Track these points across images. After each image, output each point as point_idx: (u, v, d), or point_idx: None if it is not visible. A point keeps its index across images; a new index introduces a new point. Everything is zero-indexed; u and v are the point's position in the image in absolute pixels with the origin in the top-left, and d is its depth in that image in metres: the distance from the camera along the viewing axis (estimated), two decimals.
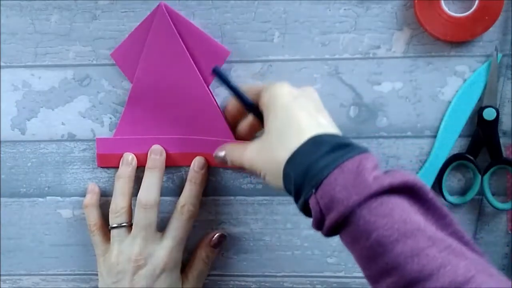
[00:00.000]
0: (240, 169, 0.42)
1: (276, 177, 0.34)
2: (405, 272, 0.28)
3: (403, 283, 0.28)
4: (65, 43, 0.49)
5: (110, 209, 0.46)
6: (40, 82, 0.50)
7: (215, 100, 0.44)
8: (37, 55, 0.50)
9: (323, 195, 0.30)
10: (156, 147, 0.46)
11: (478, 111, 0.47)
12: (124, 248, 0.44)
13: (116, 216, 0.45)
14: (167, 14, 0.42)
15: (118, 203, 0.46)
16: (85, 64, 0.50)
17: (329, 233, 0.32)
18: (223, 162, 0.42)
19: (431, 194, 0.31)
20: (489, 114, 0.47)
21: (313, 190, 0.31)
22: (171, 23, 0.42)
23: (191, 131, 0.45)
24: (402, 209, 0.29)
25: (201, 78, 0.43)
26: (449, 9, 0.45)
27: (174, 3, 0.48)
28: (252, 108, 0.40)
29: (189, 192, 0.47)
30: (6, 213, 0.53)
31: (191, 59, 0.42)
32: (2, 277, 0.55)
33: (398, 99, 0.48)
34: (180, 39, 0.42)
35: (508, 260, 0.51)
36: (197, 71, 0.43)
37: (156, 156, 0.46)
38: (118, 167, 0.48)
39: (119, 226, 0.45)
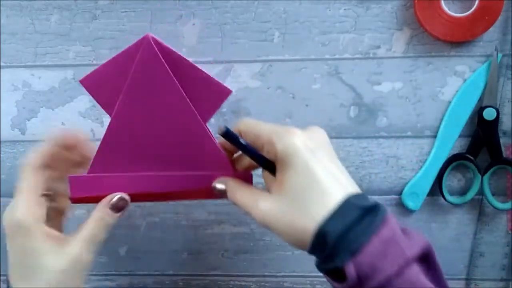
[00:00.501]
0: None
1: (296, 241, 0.33)
2: None
3: None
4: (65, 43, 0.49)
5: None
6: (40, 82, 0.50)
7: (211, 134, 0.40)
8: (37, 55, 0.50)
9: (363, 264, 0.30)
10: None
11: (478, 111, 0.47)
12: None
13: None
14: (155, 47, 0.38)
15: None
16: (85, 64, 0.50)
17: None
18: (221, 195, 0.39)
19: (436, 258, 0.34)
20: (489, 114, 0.47)
21: (351, 257, 0.31)
22: (160, 56, 0.38)
23: (182, 167, 0.40)
24: (423, 277, 0.31)
25: (196, 112, 0.39)
26: (449, 9, 0.45)
27: (174, 3, 0.48)
28: (266, 165, 0.36)
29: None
30: None
31: (183, 92, 0.39)
32: (2, 277, 0.55)
33: (398, 99, 0.48)
34: (170, 73, 0.39)
35: (508, 260, 0.51)
36: (190, 104, 0.39)
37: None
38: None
39: None
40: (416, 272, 0.31)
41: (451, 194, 0.50)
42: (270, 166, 0.35)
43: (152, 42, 0.38)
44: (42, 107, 0.51)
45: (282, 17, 0.47)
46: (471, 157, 0.48)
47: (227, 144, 0.37)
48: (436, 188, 0.49)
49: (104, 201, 0.39)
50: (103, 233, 0.38)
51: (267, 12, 0.48)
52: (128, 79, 0.38)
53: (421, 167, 0.49)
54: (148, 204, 0.52)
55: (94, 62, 0.49)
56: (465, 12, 0.45)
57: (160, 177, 0.40)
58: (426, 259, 0.32)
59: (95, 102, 0.50)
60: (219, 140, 0.39)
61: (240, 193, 0.37)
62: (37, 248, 0.35)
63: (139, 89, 0.39)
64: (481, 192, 0.48)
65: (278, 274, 0.53)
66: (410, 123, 0.49)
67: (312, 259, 0.53)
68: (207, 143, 0.40)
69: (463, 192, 0.50)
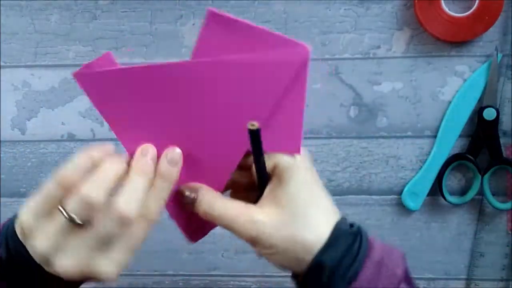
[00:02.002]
0: (195, 226, 0.35)
1: (290, 259, 0.31)
2: None
3: None
4: (65, 43, 0.49)
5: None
6: (40, 82, 0.50)
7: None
8: (37, 55, 0.50)
9: None
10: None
11: (478, 111, 0.47)
12: None
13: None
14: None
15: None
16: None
17: None
18: (188, 202, 0.34)
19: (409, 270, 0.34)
20: (489, 114, 0.47)
21: (348, 286, 0.31)
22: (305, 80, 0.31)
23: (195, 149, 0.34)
24: None
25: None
26: (449, 9, 0.45)
27: (175, 3, 0.48)
28: (264, 177, 0.33)
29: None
30: (6, 213, 0.53)
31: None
32: None
33: (398, 99, 0.48)
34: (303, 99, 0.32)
35: (508, 260, 0.51)
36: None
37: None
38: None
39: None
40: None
41: (451, 194, 0.50)
42: (265, 180, 0.33)
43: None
44: (42, 107, 0.51)
45: (282, 17, 0.47)
46: (471, 157, 0.48)
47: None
48: (436, 188, 0.49)
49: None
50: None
51: (267, 12, 0.48)
52: (250, 56, 0.31)
53: (421, 167, 0.49)
54: None
55: None
56: (465, 12, 0.45)
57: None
58: (407, 273, 0.33)
59: None
60: None
61: (222, 203, 0.33)
62: None
63: (240, 73, 0.31)
64: (481, 192, 0.48)
65: (278, 274, 0.53)
66: (410, 123, 0.49)
67: None
68: (228, 163, 0.34)
69: (463, 192, 0.50)
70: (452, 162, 0.48)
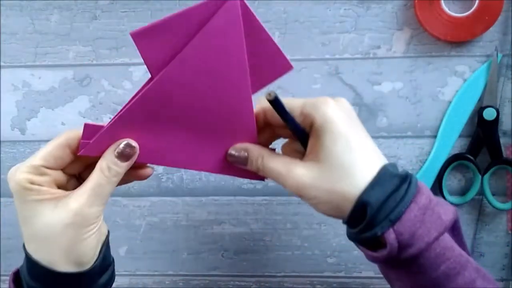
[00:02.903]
0: (254, 176, 0.38)
1: (333, 208, 0.33)
2: None
3: None
4: (65, 43, 0.49)
5: None
6: (40, 82, 0.50)
7: (253, 110, 0.38)
8: (37, 55, 0.50)
9: (403, 231, 0.31)
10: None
11: (478, 111, 0.47)
12: None
13: None
14: (240, 13, 0.35)
15: None
16: (85, 64, 0.50)
17: (395, 265, 0.33)
18: (239, 162, 0.37)
19: (461, 224, 0.35)
20: (489, 114, 0.47)
21: (391, 225, 0.31)
22: (241, 17, 0.35)
23: (209, 138, 0.38)
24: (454, 242, 0.33)
25: (250, 86, 0.37)
26: (449, 9, 0.45)
27: (174, 3, 0.48)
28: (303, 136, 0.36)
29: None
30: (6, 213, 0.53)
31: (247, 64, 0.36)
32: (2, 277, 0.55)
33: (398, 99, 0.48)
34: (244, 40, 0.35)
35: (508, 260, 0.51)
36: (248, 78, 0.36)
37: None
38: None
39: None
40: (449, 237, 0.32)
41: (451, 194, 0.50)
42: (305, 137, 0.36)
43: (239, 7, 0.35)
44: (42, 107, 0.51)
45: (282, 17, 0.47)
46: (471, 157, 0.48)
47: (260, 119, 0.37)
48: (436, 188, 0.49)
49: (110, 148, 0.35)
50: (108, 184, 0.34)
51: (267, 12, 0.48)
52: (193, 39, 0.35)
53: (421, 167, 0.49)
54: (148, 204, 0.52)
55: (94, 62, 0.49)
56: (465, 12, 0.45)
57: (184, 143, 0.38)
58: (454, 225, 0.33)
59: (95, 102, 0.50)
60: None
61: (269, 158, 0.36)
62: (33, 206, 0.34)
63: (200, 52, 0.35)
64: (481, 192, 0.48)
65: (278, 274, 0.53)
66: (410, 123, 0.49)
67: (312, 259, 0.54)
68: (245, 116, 0.37)
69: (463, 192, 0.50)
70: (452, 162, 0.48)
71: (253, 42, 0.36)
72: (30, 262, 0.33)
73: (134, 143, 0.36)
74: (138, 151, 0.36)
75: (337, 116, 0.34)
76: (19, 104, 0.51)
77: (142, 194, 0.52)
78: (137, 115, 0.37)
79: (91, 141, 0.36)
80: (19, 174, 0.33)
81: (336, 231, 0.51)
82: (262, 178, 0.38)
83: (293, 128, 0.36)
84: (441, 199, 0.34)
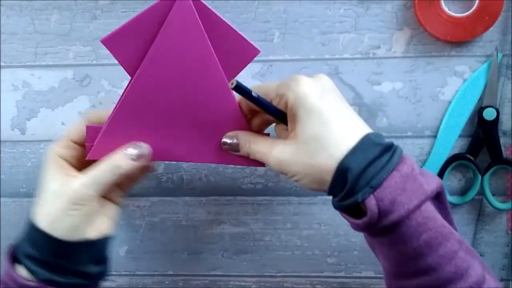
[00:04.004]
0: (252, 163, 0.39)
1: (315, 181, 0.34)
2: (443, 273, 0.32)
3: (437, 282, 0.32)
4: (65, 43, 0.49)
5: None
6: (40, 82, 0.50)
7: (233, 95, 0.40)
8: (37, 55, 0.50)
9: (383, 197, 0.31)
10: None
11: (478, 111, 0.47)
12: None
13: None
14: (192, 5, 0.38)
15: None
16: (85, 64, 0.50)
17: (377, 233, 0.33)
18: (233, 149, 0.39)
19: (446, 197, 0.35)
20: (489, 114, 0.47)
21: (372, 191, 0.31)
22: (197, 16, 0.38)
23: (201, 129, 0.40)
24: (437, 213, 0.33)
25: (223, 74, 0.39)
26: (449, 9, 0.45)
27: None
28: (279, 115, 0.38)
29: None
30: (6, 213, 0.53)
31: (214, 54, 0.38)
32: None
33: (398, 99, 0.48)
34: (205, 35, 0.38)
35: (508, 260, 0.51)
36: (219, 66, 0.39)
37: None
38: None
39: None
40: (432, 208, 0.32)
41: (451, 194, 0.50)
42: (283, 117, 0.37)
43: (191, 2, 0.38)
44: (42, 107, 0.51)
45: (282, 17, 0.47)
46: (471, 157, 0.48)
47: (243, 105, 0.40)
48: None
49: (123, 147, 0.39)
50: (111, 176, 0.38)
51: (267, 12, 0.48)
52: (157, 37, 0.38)
53: (421, 167, 0.49)
54: (148, 204, 0.52)
55: (94, 62, 0.49)
56: (465, 12, 0.45)
57: (178, 139, 0.40)
58: (439, 197, 0.33)
59: (95, 102, 0.50)
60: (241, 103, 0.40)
61: (254, 142, 0.38)
62: (51, 174, 0.38)
63: (166, 48, 0.38)
64: (481, 192, 0.48)
65: (278, 274, 0.53)
66: (410, 123, 0.49)
67: (312, 259, 0.54)
68: (228, 104, 0.39)
69: (463, 192, 0.50)
70: (452, 162, 0.48)
71: (217, 35, 0.38)
72: (31, 226, 0.38)
73: (144, 145, 0.39)
74: (148, 152, 0.39)
75: (309, 91, 0.34)
76: (19, 104, 0.51)
77: (142, 194, 0.52)
78: (127, 115, 0.39)
79: (94, 144, 0.39)
80: (52, 145, 0.40)
81: (336, 231, 0.51)
82: (262, 164, 0.39)
83: (267, 110, 0.37)
84: (426, 170, 0.34)
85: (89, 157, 0.39)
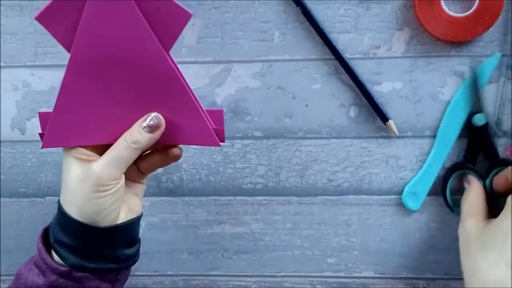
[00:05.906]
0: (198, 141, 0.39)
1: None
2: None
3: None
4: None
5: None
6: (40, 82, 0.50)
7: (179, 73, 0.38)
8: (37, 55, 0.50)
9: None
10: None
11: (467, 119, 0.47)
12: None
13: None
14: None
15: None
16: None
17: None
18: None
19: None
20: (477, 119, 0.46)
21: None
22: None
23: (144, 102, 0.39)
24: None
25: (159, 43, 0.37)
26: (449, 9, 0.45)
27: None
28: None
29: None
30: (6, 213, 0.53)
31: (146, 23, 0.36)
32: (2, 277, 0.55)
33: (398, 99, 0.48)
34: (134, 4, 0.36)
35: None
36: (154, 35, 0.37)
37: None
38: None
39: None
40: None
41: (452, 194, 0.49)
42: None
43: None
44: (42, 107, 0.51)
45: (282, 17, 0.47)
46: (471, 165, 0.47)
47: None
48: (436, 188, 0.49)
49: (139, 120, 0.38)
50: (130, 152, 0.37)
51: (267, 12, 0.48)
52: (84, 11, 0.35)
53: (421, 167, 0.49)
54: (147, 204, 0.52)
55: None
56: (465, 12, 0.45)
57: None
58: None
59: None
60: None
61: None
62: (70, 161, 0.38)
63: (96, 21, 0.36)
64: None
65: (278, 274, 0.53)
66: (410, 123, 0.49)
67: (312, 259, 0.54)
68: (166, 73, 0.38)
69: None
70: (453, 172, 0.48)
71: (147, 4, 0.36)
72: (60, 213, 0.37)
73: (156, 115, 0.38)
74: (163, 124, 0.38)
75: None
76: (19, 104, 0.51)
77: None
78: (72, 96, 0.38)
79: (45, 133, 0.39)
80: None
81: (336, 231, 0.51)
82: (217, 139, 0.39)
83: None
84: None
85: (43, 146, 0.38)
